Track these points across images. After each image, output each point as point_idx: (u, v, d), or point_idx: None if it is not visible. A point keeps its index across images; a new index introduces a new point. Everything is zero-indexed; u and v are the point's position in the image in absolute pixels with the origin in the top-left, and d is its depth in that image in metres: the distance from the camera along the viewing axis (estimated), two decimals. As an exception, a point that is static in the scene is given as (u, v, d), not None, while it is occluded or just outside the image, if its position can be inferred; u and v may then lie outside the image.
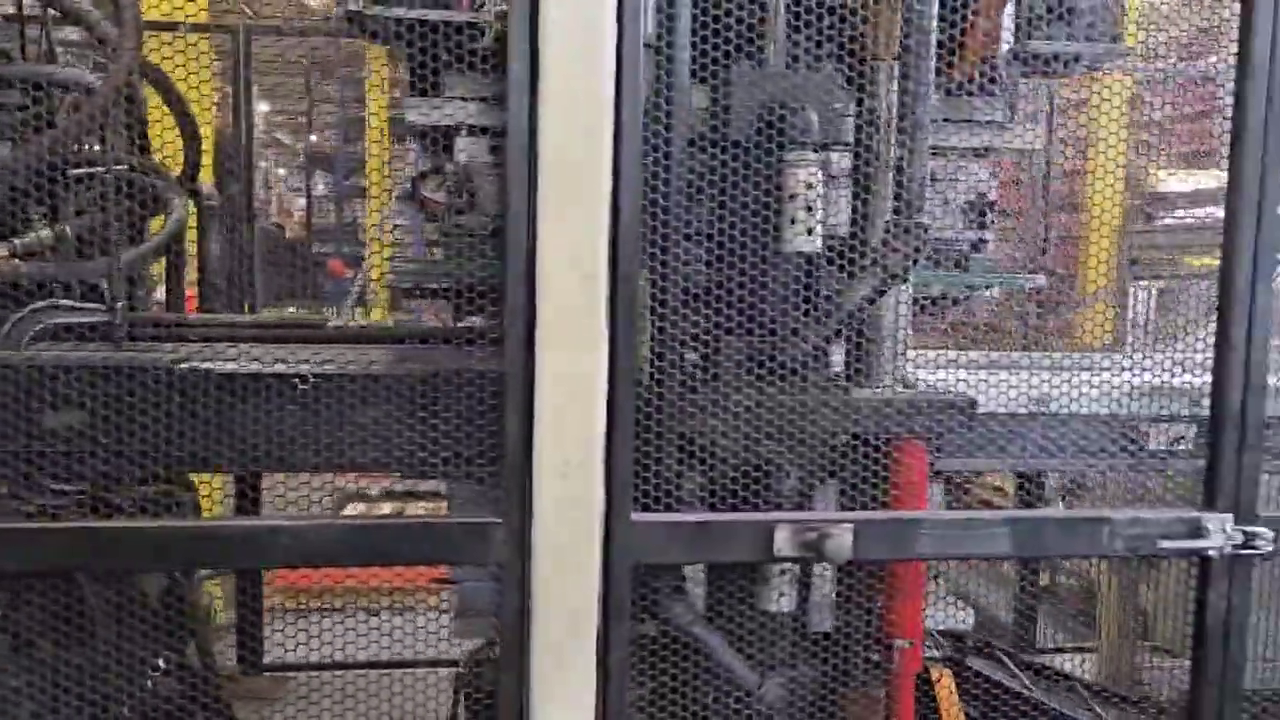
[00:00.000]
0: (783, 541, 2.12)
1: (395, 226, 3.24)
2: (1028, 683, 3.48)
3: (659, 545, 2.12)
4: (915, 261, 2.38)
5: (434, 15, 2.39)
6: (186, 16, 4.61)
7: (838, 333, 2.41)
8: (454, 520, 2.13)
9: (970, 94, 2.68)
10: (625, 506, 2.08)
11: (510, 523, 2.06)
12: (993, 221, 2.87)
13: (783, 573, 2.40)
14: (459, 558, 2.15)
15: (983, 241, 2.87)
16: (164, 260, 3.40)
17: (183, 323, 2.99)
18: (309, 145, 15.62)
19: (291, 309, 7.98)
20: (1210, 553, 2.22)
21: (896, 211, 2.37)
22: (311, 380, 2.20)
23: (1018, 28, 2.62)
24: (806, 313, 2.35)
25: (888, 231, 2.37)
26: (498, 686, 2.12)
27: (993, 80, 2.64)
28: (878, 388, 2.54)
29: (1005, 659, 3.92)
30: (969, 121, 2.75)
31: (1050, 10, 2.60)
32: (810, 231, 2.30)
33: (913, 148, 2.33)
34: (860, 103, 2.37)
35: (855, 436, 2.45)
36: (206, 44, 4.90)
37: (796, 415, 2.34)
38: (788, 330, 2.35)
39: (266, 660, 4.45)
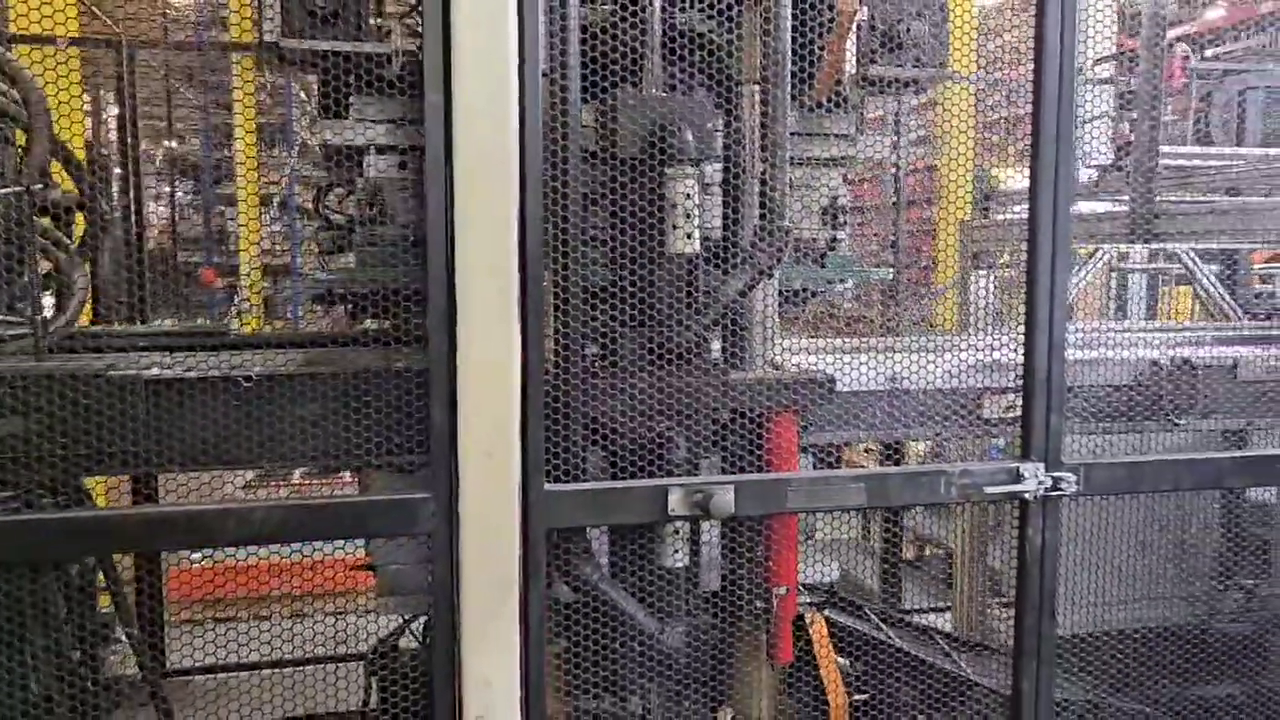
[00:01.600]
0: (675, 502, 2.47)
1: (274, 234, 3.45)
2: (884, 629, 3.93)
3: (569, 511, 2.43)
4: (780, 259, 2.76)
5: (346, 46, 2.64)
6: (66, 32, 4.67)
7: (716, 323, 2.76)
8: (389, 498, 2.39)
9: (822, 110, 3.10)
10: (538, 479, 2.39)
11: (439, 498, 2.34)
12: (844, 223, 3.30)
13: (676, 533, 2.74)
14: (394, 531, 2.42)
15: (837, 240, 3.29)
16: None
17: (101, 334, 3.14)
18: (171, 152, 15.23)
19: (170, 320, 7.92)
20: (1026, 495, 2.67)
21: (763, 216, 2.74)
22: (254, 379, 2.42)
23: (859, 57, 3.05)
24: (689, 306, 2.70)
25: (756, 234, 2.74)
26: (408, 668, 2.40)
27: (841, 100, 3.06)
28: (751, 369, 2.91)
29: (868, 612, 4.39)
30: (822, 135, 3.18)
31: (885, 43, 3.03)
32: (689, 236, 2.65)
33: (774, 159, 2.71)
34: (728, 121, 2.74)
35: (735, 412, 2.82)
36: (76, 58, 4.92)
37: (683, 396, 2.69)
38: (674, 322, 2.69)
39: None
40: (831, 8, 2.82)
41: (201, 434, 2.44)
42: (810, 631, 3.18)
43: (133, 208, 4.87)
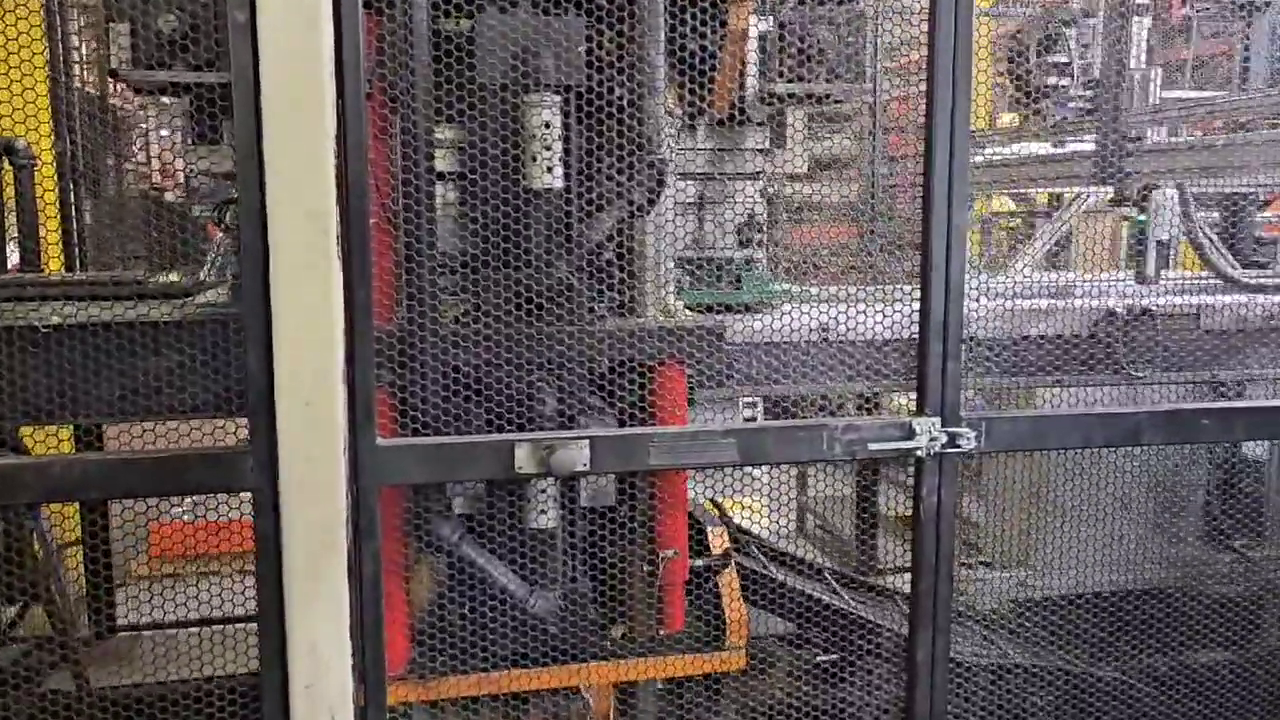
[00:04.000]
0: (523, 458, 2.28)
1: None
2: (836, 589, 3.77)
3: (405, 467, 2.26)
4: (657, 195, 2.54)
5: (187, 77, 2.42)
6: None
7: (588, 265, 2.56)
8: (207, 451, 2.23)
9: (734, 124, 2.91)
10: (369, 432, 2.21)
11: (259, 452, 2.18)
12: (761, 241, 3.09)
13: (543, 491, 2.56)
14: (214, 487, 2.26)
15: (753, 260, 3.09)
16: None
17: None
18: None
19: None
20: (918, 452, 2.46)
21: (638, 148, 2.52)
22: (44, 330, 2.27)
23: (765, 70, 2.86)
24: (553, 246, 2.50)
25: (630, 168, 2.52)
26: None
27: (744, 115, 2.86)
28: (640, 318, 2.71)
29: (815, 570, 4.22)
30: (737, 149, 2.99)
31: (795, 58, 2.82)
32: (550, 170, 2.44)
33: (647, 85, 2.48)
34: (594, 42, 2.51)
35: (617, 362, 2.63)
36: None
37: (550, 344, 2.50)
38: (538, 264, 2.49)
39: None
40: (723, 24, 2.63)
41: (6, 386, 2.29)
42: (720, 585, 3.00)
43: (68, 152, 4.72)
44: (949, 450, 2.47)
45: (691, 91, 2.68)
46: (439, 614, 2.65)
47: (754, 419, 3.09)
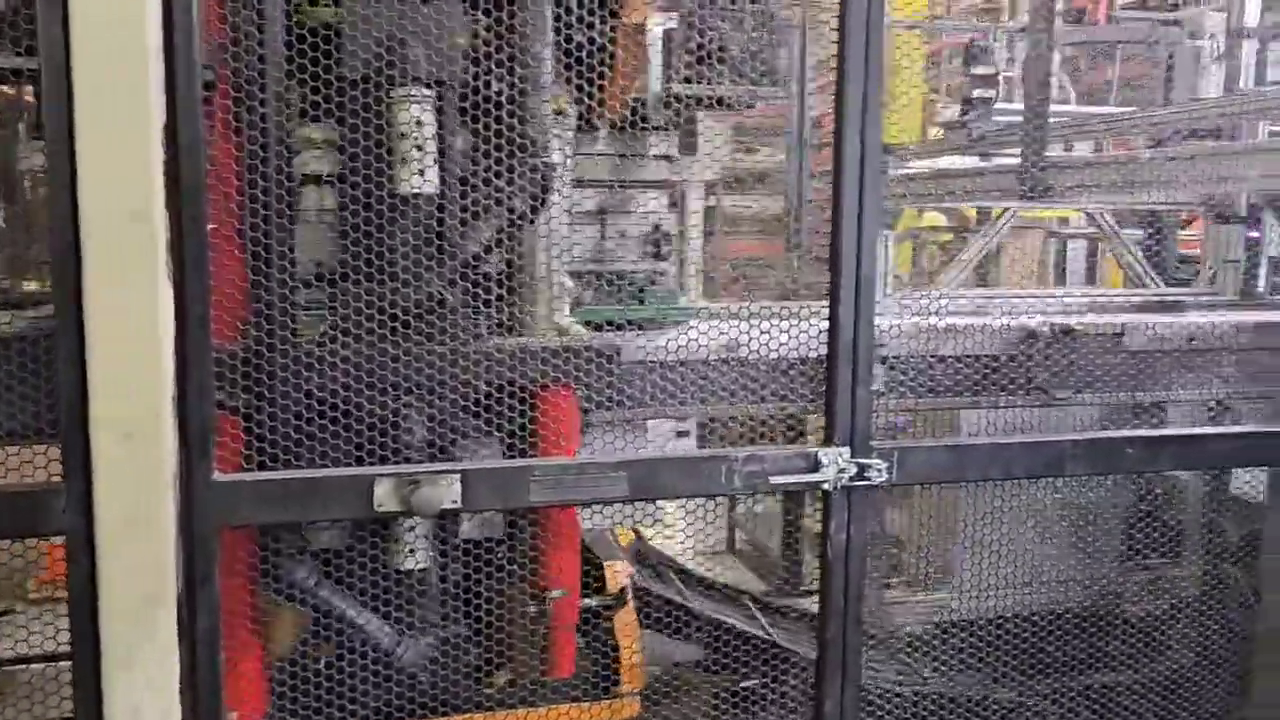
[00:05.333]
0: (384, 495, 2.03)
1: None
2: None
3: (246, 506, 1.99)
4: (540, 203, 2.32)
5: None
6: None
7: (465, 278, 2.31)
8: (12, 490, 1.94)
9: (636, 129, 2.70)
10: (205, 467, 1.94)
11: (73, 490, 1.89)
12: (669, 253, 2.89)
13: (412, 529, 2.31)
14: (19, 530, 1.96)
15: (659, 274, 2.89)
16: None
17: None
18: None
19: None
20: (825, 485, 2.26)
21: (521, 150, 2.29)
22: None
23: (669, 73, 2.66)
24: (426, 258, 2.25)
25: (508, 172, 2.29)
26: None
27: (643, 120, 2.66)
28: (526, 337, 2.48)
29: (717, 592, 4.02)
30: (642, 156, 2.79)
31: (700, 60, 2.63)
32: (422, 173, 2.19)
33: (530, 81, 2.25)
34: (477, 36, 2.27)
35: (498, 384, 2.39)
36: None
37: (419, 366, 2.25)
38: (407, 277, 2.24)
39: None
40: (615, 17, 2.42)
41: None
42: (615, 627, 2.77)
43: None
44: (858, 483, 2.28)
45: (582, 90, 2.45)
46: (299, 665, 2.38)
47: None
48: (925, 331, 3.31)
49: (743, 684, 3.93)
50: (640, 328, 2.81)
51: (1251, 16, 5.77)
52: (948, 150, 5.21)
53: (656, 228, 2.92)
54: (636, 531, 4.46)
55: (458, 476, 2.06)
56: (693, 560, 4.58)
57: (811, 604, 5.39)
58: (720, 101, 2.80)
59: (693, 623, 4.15)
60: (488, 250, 2.30)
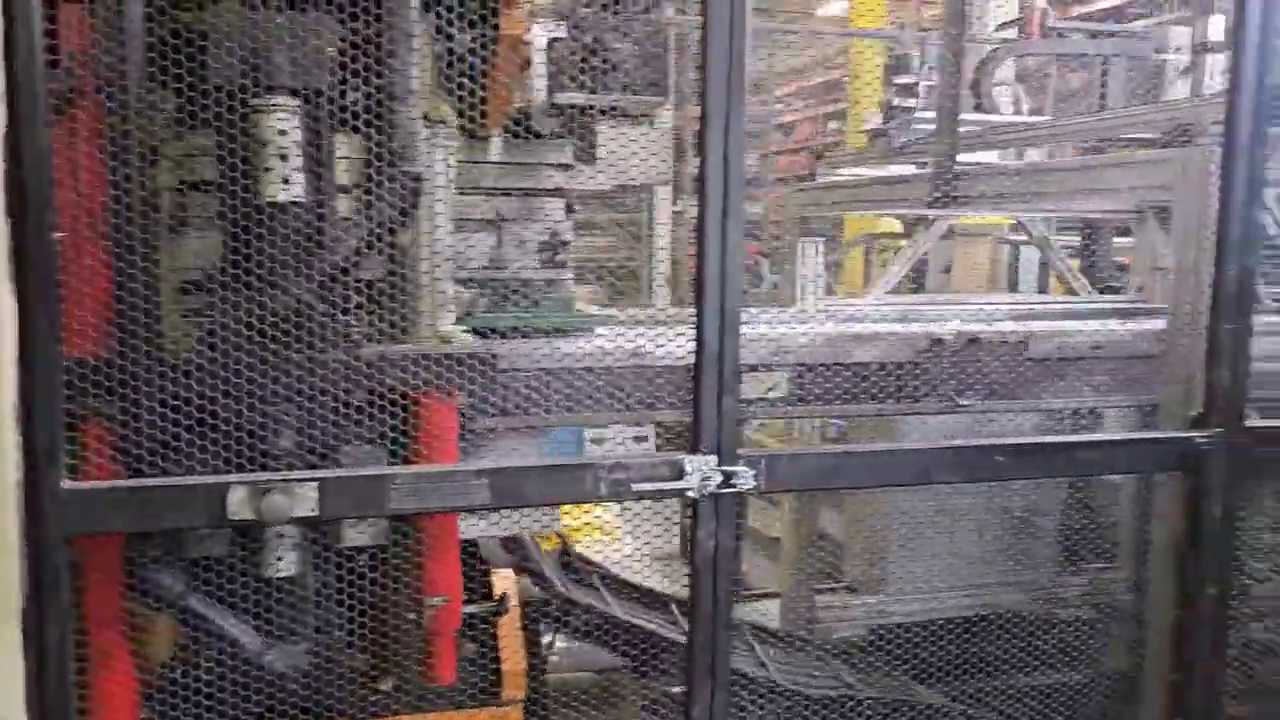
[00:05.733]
0: (237, 503, 2.03)
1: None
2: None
3: (97, 514, 1.99)
4: (410, 211, 2.33)
5: None
6: None
7: (335, 286, 2.32)
8: None
9: (522, 137, 2.71)
10: (51, 475, 1.94)
11: (-88, 498, 1.89)
12: (565, 261, 2.90)
13: (280, 535, 2.31)
14: None
15: (556, 281, 2.89)
16: None
17: None
18: None
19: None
20: (689, 493, 2.27)
21: (388, 159, 2.30)
22: None
23: (553, 81, 2.68)
24: (293, 266, 2.25)
25: (375, 181, 2.30)
26: None
27: (527, 128, 2.67)
28: (407, 344, 2.48)
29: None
30: (538, 164, 2.80)
31: (584, 69, 2.64)
32: (287, 182, 2.20)
33: (398, 91, 2.26)
34: (344, 44, 2.28)
35: (375, 392, 2.39)
36: None
37: (287, 374, 2.25)
38: (274, 285, 2.24)
39: None
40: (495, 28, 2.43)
41: None
42: (497, 630, 2.77)
43: None
44: (724, 490, 2.29)
45: (461, 99, 2.46)
46: (171, 674, 2.38)
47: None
48: (833, 339, 3.35)
49: (671, 690, 3.94)
50: (545, 335, 2.82)
51: (1215, 32, 5.87)
52: (868, 159, 5.26)
53: (553, 235, 2.93)
54: (563, 539, 4.46)
55: (315, 484, 2.07)
56: (644, 566, 4.58)
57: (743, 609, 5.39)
58: (614, 112, 2.82)
59: (613, 629, 4.16)
60: (358, 259, 2.30)
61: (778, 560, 6.08)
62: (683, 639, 4.26)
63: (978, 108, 6.14)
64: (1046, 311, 4.34)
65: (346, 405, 2.37)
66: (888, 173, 4.94)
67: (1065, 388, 3.55)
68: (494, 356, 2.47)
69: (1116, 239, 6.06)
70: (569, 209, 2.96)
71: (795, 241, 5.10)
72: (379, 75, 2.25)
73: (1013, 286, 9.36)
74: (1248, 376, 2.55)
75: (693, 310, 2.26)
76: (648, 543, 4.17)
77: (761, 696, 3.95)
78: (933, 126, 4.46)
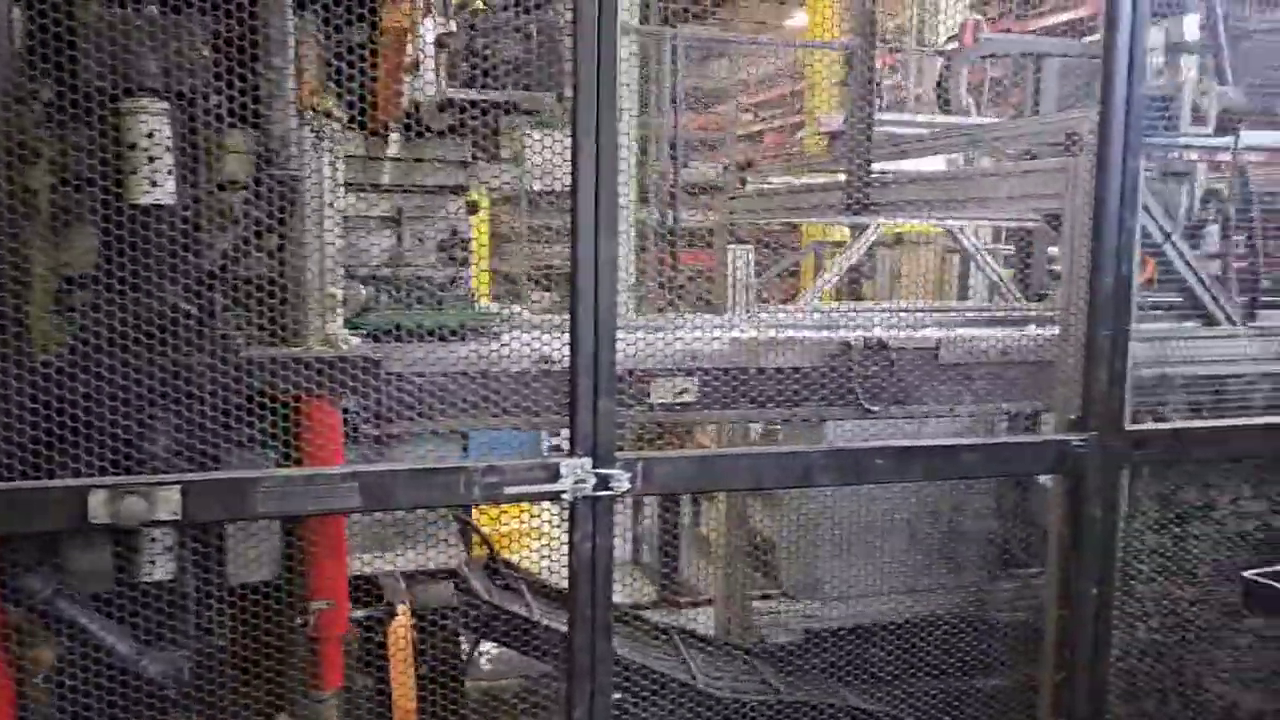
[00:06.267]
0: (98, 507, 2.02)
1: None
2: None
3: (-48, 518, 1.98)
4: (285, 214, 2.33)
5: None
6: None
7: (209, 288, 2.31)
8: None
9: (415, 134, 2.72)
10: (-96, 478, 1.93)
11: None
12: (465, 258, 2.90)
13: (153, 540, 2.30)
14: None
15: (458, 278, 2.90)
16: None
17: None
18: None
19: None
20: (565, 496, 2.28)
21: (266, 163, 2.30)
22: None
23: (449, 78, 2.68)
24: (165, 267, 2.25)
25: (256, 183, 2.30)
26: None
27: (417, 124, 2.67)
28: (293, 347, 2.48)
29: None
30: (437, 161, 2.80)
31: (475, 66, 2.65)
32: (155, 184, 2.19)
33: (274, 94, 2.27)
34: (216, 46, 2.28)
35: (258, 395, 2.39)
36: None
37: (158, 377, 2.24)
38: (146, 287, 2.24)
39: None
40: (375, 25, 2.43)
41: None
42: (388, 636, 2.76)
43: None
44: (601, 493, 2.31)
45: (347, 95, 2.46)
46: (51, 679, 2.36)
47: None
48: (742, 345, 3.37)
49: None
50: (443, 335, 2.81)
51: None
52: (796, 168, 5.30)
53: (454, 232, 2.92)
54: (489, 544, 4.45)
55: (178, 488, 2.06)
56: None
57: (669, 616, 5.39)
58: (501, 107, 2.80)
59: (537, 636, 4.15)
60: (233, 260, 2.30)
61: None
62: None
63: (944, 110, 6.23)
64: (974, 319, 4.39)
65: (227, 409, 2.36)
66: (814, 180, 4.98)
67: (977, 392, 3.60)
68: (379, 360, 2.47)
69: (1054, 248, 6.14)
70: (472, 208, 2.96)
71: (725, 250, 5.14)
72: (251, 75, 2.25)
73: (963, 294, 9.45)
74: (1125, 380, 2.59)
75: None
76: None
77: (687, 702, 3.95)
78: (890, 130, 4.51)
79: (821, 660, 4.20)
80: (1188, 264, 3.06)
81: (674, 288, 5.26)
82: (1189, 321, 3.33)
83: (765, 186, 5.11)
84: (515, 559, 4.45)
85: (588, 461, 2.30)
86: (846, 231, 9.59)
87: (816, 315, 4.26)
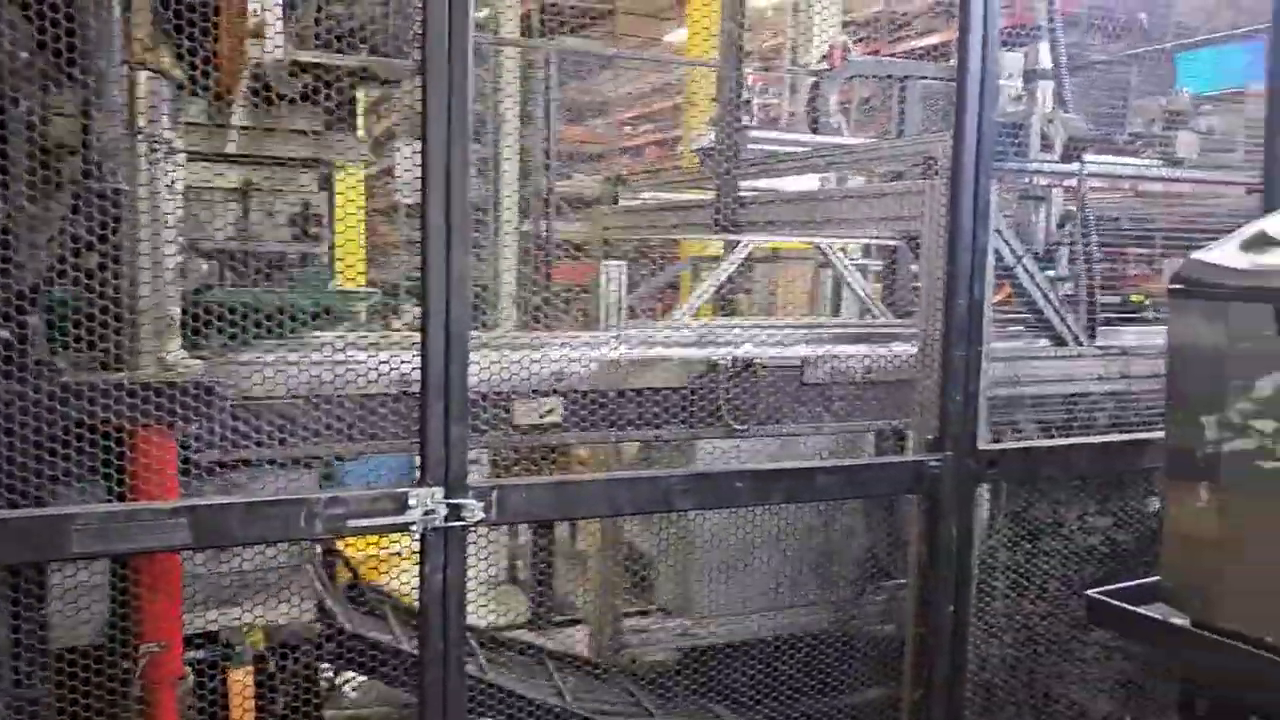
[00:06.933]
0: None
1: None
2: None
3: None
4: (114, 228, 2.17)
5: None
6: None
7: (19, 310, 2.12)
8: None
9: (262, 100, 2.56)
10: None
11: None
12: (320, 234, 2.76)
13: (-40, 582, 2.10)
14: None
15: (312, 255, 2.75)
16: None
17: None
18: None
19: None
20: (413, 528, 2.18)
21: (87, 175, 2.14)
22: None
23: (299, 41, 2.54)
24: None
25: (78, 197, 2.13)
26: None
27: (266, 91, 2.52)
28: (123, 372, 2.31)
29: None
30: (290, 131, 2.65)
31: (322, 25, 2.52)
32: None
33: (97, 95, 2.11)
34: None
35: (76, 424, 2.21)
36: None
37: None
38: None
39: None
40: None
41: None
42: (229, 688, 2.60)
43: None
44: (452, 524, 2.21)
45: (181, 56, 2.28)
46: None
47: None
48: (613, 364, 3.32)
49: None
50: (294, 316, 2.65)
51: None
52: (669, 182, 5.30)
53: (306, 206, 2.76)
54: (352, 569, 4.29)
55: (-22, 527, 1.88)
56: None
57: (541, 637, 5.30)
58: (357, 74, 2.66)
59: (398, 663, 4.01)
60: (48, 282, 2.13)
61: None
62: (476, 672, 4.16)
63: (814, 129, 6.33)
64: (842, 335, 4.44)
65: (50, 440, 2.18)
66: (684, 197, 4.98)
67: (840, 412, 3.63)
68: (214, 387, 2.32)
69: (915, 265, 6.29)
70: (326, 183, 2.82)
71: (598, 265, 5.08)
72: (71, 86, 2.09)
73: (836, 309, 9.64)
74: (978, 400, 2.64)
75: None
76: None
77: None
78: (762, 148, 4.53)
79: (696, 679, 4.18)
80: (1038, 286, 3.15)
81: (541, 304, 5.19)
82: (1041, 340, 3.44)
83: (637, 201, 5.08)
84: (389, 582, 4.30)
85: (438, 491, 2.21)
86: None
87: (687, 332, 4.24)
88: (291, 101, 2.62)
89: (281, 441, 2.46)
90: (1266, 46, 2.64)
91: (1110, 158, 3.59)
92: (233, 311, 2.54)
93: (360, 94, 2.89)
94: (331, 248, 2.94)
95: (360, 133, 2.99)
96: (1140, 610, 2.14)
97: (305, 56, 2.52)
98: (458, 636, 2.27)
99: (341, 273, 3.32)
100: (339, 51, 2.57)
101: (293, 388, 2.46)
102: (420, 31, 2.12)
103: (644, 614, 4.77)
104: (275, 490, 2.43)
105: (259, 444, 2.42)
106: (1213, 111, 4.73)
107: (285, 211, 2.72)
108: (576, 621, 5.68)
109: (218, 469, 2.44)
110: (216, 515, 2.06)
